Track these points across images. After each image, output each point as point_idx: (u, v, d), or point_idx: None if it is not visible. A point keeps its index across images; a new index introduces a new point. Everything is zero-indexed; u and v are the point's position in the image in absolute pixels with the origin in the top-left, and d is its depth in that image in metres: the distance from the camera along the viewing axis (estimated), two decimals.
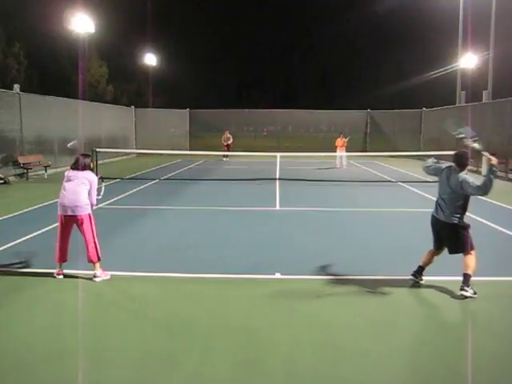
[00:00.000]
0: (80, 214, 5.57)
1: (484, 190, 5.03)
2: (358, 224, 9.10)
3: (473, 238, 5.28)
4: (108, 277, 5.71)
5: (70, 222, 5.65)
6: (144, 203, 11.08)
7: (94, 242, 5.64)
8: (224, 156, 24.84)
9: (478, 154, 19.02)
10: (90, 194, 5.69)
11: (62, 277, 5.70)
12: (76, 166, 5.78)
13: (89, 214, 5.67)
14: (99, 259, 5.68)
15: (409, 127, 29.64)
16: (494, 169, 5.07)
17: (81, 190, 5.61)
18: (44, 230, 8.15)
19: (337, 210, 10.61)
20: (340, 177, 16.96)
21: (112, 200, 11.13)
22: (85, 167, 5.78)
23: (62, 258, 5.73)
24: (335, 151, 20.83)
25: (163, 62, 45.82)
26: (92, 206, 5.76)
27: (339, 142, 20.82)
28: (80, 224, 5.61)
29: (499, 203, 11.28)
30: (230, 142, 25.21)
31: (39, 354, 3.85)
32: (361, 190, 13.91)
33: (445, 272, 6.02)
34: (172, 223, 9.15)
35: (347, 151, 21.12)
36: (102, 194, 6.29)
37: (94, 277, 5.65)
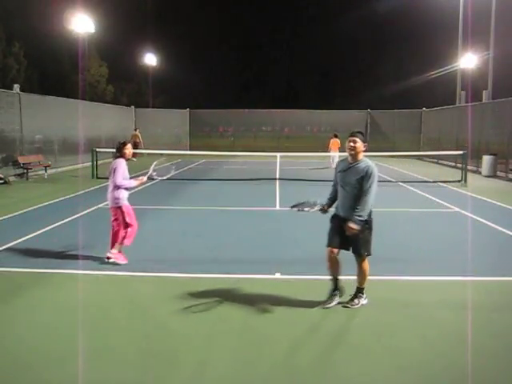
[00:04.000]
0: (110, 206, 6.25)
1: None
2: None
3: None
4: (125, 261, 6.21)
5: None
6: (144, 203, 11.07)
7: (125, 232, 6.22)
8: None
9: (478, 154, 19.11)
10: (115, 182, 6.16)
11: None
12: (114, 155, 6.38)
13: (119, 207, 6.15)
14: (121, 244, 6.25)
15: (409, 127, 29.66)
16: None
17: (110, 183, 6.21)
18: (44, 230, 8.15)
19: None
20: None
21: None
22: (116, 155, 6.30)
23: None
24: (329, 152, 20.61)
25: (163, 61, 45.84)
26: (121, 186, 6.14)
27: (335, 143, 20.51)
28: (111, 214, 6.28)
29: (499, 203, 11.28)
30: (138, 141, 25.09)
31: (39, 354, 3.85)
32: None
33: (445, 272, 6.03)
34: (172, 223, 9.14)
35: (342, 150, 21.26)
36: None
37: (108, 258, 6.23)
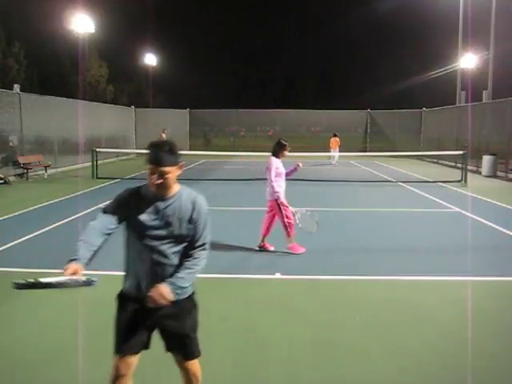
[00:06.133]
0: (268, 200, 6.82)
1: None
2: (357, 224, 9.10)
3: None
4: (302, 251, 6.71)
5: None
6: None
7: (284, 223, 6.66)
8: None
9: (478, 154, 19.11)
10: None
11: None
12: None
13: (275, 200, 6.69)
14: (289, 235, 6.71)
15: (409, 127, 29.66)
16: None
17: (268, 177, 6.69)
18: (44, 230, 8.14)
19: (337, 210, 10.60)
20: (340, 177, 16.95)
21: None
22: (272, 154, 6.87)
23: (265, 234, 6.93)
24: (330, 151, 22.46)
25: (163, 62, 45.89)
26: (274, 190, 6.66)
27: (334, 142, 22.32)
28: (267, 206, 6.86)
29: (499, 203, 11.28)
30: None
31: (39, 353, 3.85)
32: (361, 190, 13.90)
33: (445, 272, 6.03)
34: None
35: (342, 150, 22.43)
36: None
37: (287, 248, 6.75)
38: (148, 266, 2.58)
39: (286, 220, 6.65)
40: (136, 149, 28.29)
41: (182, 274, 2.58)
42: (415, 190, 13.53)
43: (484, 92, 23.68)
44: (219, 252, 6.92)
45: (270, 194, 6.77)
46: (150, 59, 38.47)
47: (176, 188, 2.59)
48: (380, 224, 9.05)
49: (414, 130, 29.22)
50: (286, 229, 6.69)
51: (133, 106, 30.55)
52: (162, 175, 2.45)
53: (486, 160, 18.01)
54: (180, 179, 2.63)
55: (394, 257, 6.79)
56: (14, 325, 4.45)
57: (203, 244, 2.63)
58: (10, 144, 16.00)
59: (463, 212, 10.05)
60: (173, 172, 2.49)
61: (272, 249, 6.90)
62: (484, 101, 22.98)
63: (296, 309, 4.82)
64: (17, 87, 16.94)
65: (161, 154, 2.44)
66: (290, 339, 4.12)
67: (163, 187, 2.50)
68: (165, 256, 2.57)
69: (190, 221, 2.56)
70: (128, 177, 16.54)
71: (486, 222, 8.92)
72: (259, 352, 3.88)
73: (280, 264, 6.28)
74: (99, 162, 16.60)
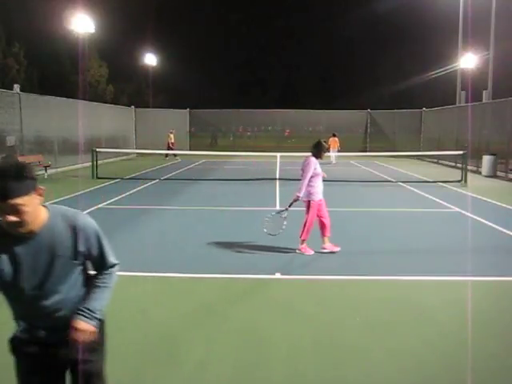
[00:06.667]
0: (303, 199, 6.70)
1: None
2: (357, 224, 9.10)
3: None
4: (310, 253, 6.69)
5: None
6: (144, 203, 11.07)
7: (305, 225, 6.68)
8: (173, 155, 25.28)
9: (478, 154, 19.09)
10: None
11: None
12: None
13: (308, 201, 6.64)
14: (303, 240, 6.73)
15: (409, 127, 29.67)
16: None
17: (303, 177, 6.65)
18: None
19: (337, 209, 10.59)
20: (340, 177, 16.95)
21: (112, 200, 11.12)
22: (312, 154, 6.74)
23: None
24: (329, 151, 22.83)
25: (163, 61, 45.90)
26: (306, 192, 6.61)
27: (333, 142, 22.67)
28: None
29: (499, 203, 11.29)
30: (171, 141, 25.94)
31: None
32: (361, 190, 13.90)
33: (445, 272, 6.03)
34: (172, 223, 9.14)
35: (342, 150, 22.86)
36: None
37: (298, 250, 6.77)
38: (42, 314, 2.12)
39: (308, 223, 6.69)
40: (136, 149, 28.33)
41: (94, 295, 2.20)
42: (415, 189, 13.53)
43: (484, 92, 23.69)
44: (219, 252, 6.93)
45: (306, 193, 6.72)
46: (150, 59, 38.47)
47: (44, 216, 2.03)
48: (380, 224, 9.05)
49: (414, 130, 29.23)
50: (303, 231, 6.71)
51: (133, 106, 30.55)
52: (16, 211, 1.88)
53: (486, 160, 18.01)
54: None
55: (394, 257, 6.79)
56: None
57: (112, 265, 2.25)
58: (8, 144, 15.98)
59: (463, 212, 10.05)
60: (29, 203, 1.93)
61: (337, 249, 6.81)
62: (484, 101, 22.99)
63: (296, 309, 4.82)
64: (17, 87, 16.94)
65: (5, 184, 1.85)
66: (290, 339, 4.12)
67: (22, 225, 1.94)
68: (59, 301, 2.10)
69: (77, 251, 2.08)
70: (128, 177, 16.55)
71: (486, 222, 8.92)
72: (259, 352, 3.89)
73: (280, 264, 6.28)
74: (99, 161, 16.60)
